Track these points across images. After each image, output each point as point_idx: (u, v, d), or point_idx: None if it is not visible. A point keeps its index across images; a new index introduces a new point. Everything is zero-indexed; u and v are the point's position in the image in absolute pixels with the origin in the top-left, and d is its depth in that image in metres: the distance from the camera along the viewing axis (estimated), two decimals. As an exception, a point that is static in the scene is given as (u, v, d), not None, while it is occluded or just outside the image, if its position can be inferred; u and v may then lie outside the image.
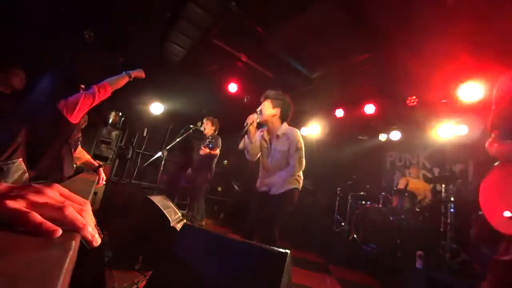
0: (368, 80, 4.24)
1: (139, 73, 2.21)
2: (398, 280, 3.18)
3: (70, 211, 0.35)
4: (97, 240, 0.36)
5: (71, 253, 0.30)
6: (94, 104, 1.86)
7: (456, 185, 4.08)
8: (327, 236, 4.86)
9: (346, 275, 3.31)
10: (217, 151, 4.01)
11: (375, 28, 3.18)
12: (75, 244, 0.33)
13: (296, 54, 4.15)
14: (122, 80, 2.06)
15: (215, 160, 4.14)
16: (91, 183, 1.40)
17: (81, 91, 1.86)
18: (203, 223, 4.10)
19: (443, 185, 3.89)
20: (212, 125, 4.19)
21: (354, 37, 3.39)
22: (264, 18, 3.47)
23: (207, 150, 3.89)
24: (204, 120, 4.20)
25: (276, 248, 0.95)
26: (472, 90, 3.51)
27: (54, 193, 0.38)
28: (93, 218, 0.40)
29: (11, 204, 0.32)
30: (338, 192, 5.21)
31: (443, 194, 3.82)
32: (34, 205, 0.34)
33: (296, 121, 6.61)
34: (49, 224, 0.32)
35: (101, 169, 2.22)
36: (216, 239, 1.06)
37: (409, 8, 2.80)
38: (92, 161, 2.33)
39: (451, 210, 3.66)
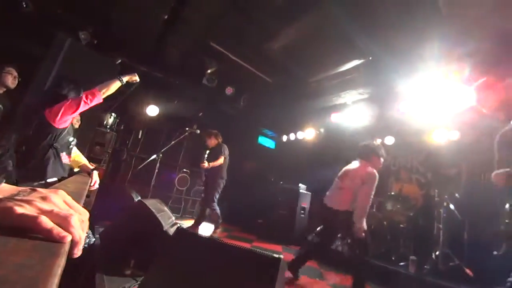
0: (362, 85, 4.30)
1: (132, 77, 2.16)
2: (392, 285, 3.19)
3: (75, 221, 0.35)
4: (78, 254, 0.37)
5: (60, 258, 0.30)
6: (81, 110, 1.88)
7: (449, 189, 4.12)
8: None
9: (339, 280, 3.31)
10: (221, 160, 4.04)
11: (369, 34, 3.23)
12: (64, 249, 0.33)
13: (293, 57, 4.18)
14: (113, 85, 2.01)
15: (225, 167, 4.20)
16: (84, 185, 1.38)
17: (69, 98, 1.89)
18: (218, 230, 4.16)
19: (436, 190, 3.93)
20: (215, 138, 4.25)
21: (349, 43, 3.43)
22: (262, 21, 3.50)
23: (205, 165, 3.95)
24: (206, 138, 4.26)
25: (269, 254, 0.95)
26: (463, 97, 3.59)
27: (59, 200, 0.39)
28: (87, 229, 0.40)
29: (19, 209, 0.33)
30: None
31: (436, 199, 3.86)
32: (41, 211, 0.34)
33: (293, 125, 6.68)
34: (59, 229, 0.33)
35: (95, 172, 2.19)
36: (209, 244, 1.05)
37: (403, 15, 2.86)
38: (88, 165, 2.31)
39: (444, 215, 3.70)
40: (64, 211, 0.37)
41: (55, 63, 3.52)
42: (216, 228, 4.18)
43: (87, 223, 0.40)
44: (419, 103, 4.10)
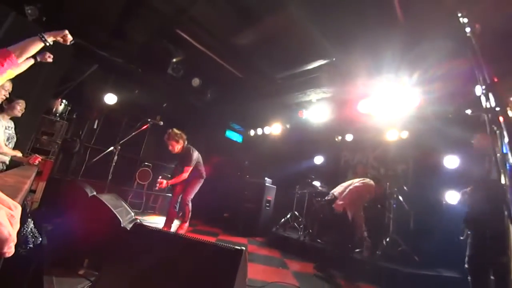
0: (326, 84, 4.49)
1: (58, 34, 1.61)
2: (349, 269, 3.42)
3: (1, 217, 0.32)
4: (10, 253, 0.33)
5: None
6: None
7: (399, 183, 4.56)
8: (284, 231, 5.05)
9: (300, 268, 3.48)
10: (185, 175, 3.65)
11: (333, 37, 3.38)
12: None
13: (260, 53, 4.18)
14: (32, 45, 1.50)
15: (201, 167, 3.93)
16: (25, 178, 1.23)
17: None
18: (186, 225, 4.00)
19: (388, 183, 4.32)
20: (178, 142, 3.66)
21: (314, 44, 3.54)
22: (229, 16, 3.43)
23: (163, 185, 3.52)
24: (171, 142, 3.65)
25: (231, 246, 0.96)
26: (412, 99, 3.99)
27: None
28: (19, 225, 0.36)
29: None
30: (296, 189, 5.43)
31: (387, 191, 4.25)
32: None
33: (260, 120, 6.74)
34: None
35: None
36: (169, 238, 1.01)
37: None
38: (20, 156, 2.05)
39: (394, 205, 4.10)
40: None
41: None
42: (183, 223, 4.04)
43: (18, 218, 0.35)
44: (376, 104, 4.42)
